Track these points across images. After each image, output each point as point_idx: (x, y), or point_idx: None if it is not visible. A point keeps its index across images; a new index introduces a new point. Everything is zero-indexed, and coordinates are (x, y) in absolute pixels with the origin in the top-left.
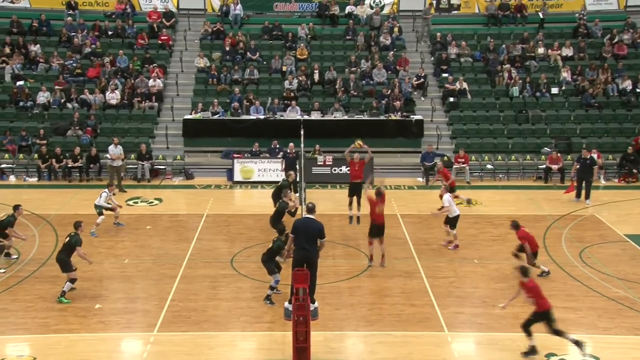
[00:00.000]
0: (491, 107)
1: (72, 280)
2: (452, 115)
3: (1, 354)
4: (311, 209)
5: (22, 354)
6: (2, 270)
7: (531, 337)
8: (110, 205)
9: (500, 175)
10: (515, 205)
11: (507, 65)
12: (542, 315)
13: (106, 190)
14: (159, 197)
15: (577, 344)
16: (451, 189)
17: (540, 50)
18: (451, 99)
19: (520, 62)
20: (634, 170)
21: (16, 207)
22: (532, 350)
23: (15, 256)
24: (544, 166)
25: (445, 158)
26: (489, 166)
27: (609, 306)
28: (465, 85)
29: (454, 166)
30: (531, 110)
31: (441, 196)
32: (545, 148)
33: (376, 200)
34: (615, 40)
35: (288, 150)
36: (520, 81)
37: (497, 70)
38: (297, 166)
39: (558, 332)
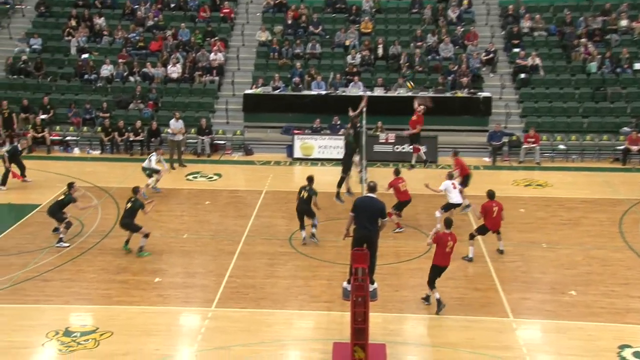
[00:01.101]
0: (566, 84)
1: (146, 235)
2: (522, 93)
3: (65, 323)
4: (372, 188)
5: (85, 323)
6: (67, 244)
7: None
8: (160, 168)
9: (574, 157)
10: (588, 188)
11: (585, 39)
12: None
13: (154, 153)
14: (218, 173)
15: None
16: (465, 178)
17: (623, 23)
18: (522, 76)
19: (600, 35)
20: None
21: (70, 185)
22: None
23: (67, 244)
24: (622, 147)
25: (514, 137)
26: (561, 146)
27: None
28: (538, 60)
29: (523, 146)
30: (610, 87)
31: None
32: (625, 128)
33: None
34: None
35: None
36: (599, 56)
37: (574, 44)
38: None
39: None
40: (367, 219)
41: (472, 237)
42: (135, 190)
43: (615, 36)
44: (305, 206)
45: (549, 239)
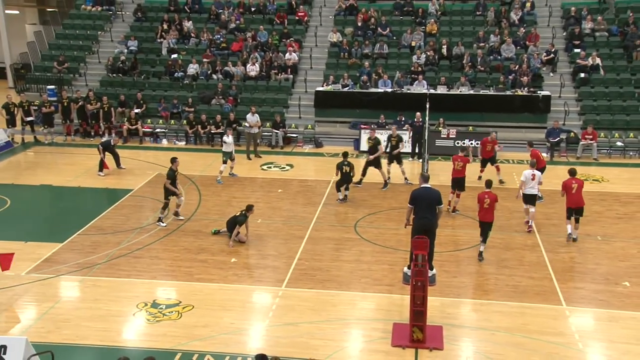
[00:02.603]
0: (626, 83)
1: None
2: (581, 91)
3: (153, 296)
4: (427, 178)
5: (170, 297)
6: (164, 224)
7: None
8: (230, 150)
9: (631, 153)
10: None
11: None
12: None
13: (226, 135)
14: (290, 163)
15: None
16: (541, 170)
17: None
18: (582, 75)
19: None
20: None
21: (173, 160)
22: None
23: (165, 224)
24: None
25: (572, 134)
26: (618, 143)
27: None
28: (598, 60)
29: (581, 142)
30: None
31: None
32: None
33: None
34: None
35: (415, 120)
36: None
37: (636, 44)
38: (423, 136)
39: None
40: (426, 208)
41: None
42: (249, 207)
43: None
44: (350, 177)
45: (604, 232)
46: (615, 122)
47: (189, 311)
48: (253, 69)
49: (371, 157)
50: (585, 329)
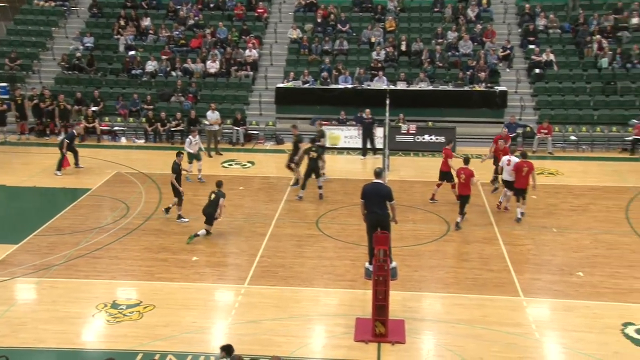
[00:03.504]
0: (578, 78)
1: (208, 232)
2: (537, 87)
3: (113, 297)
4: (378, 174)
5: (130, 297)
6: (187, 220)
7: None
8: (192, 151)
9: (584, 147)
10: (597, 177)
11: (598, 36)
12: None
13: (190, 136)
14: (251, 160)
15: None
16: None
17: (634, 21)
18: (537, 71)
19: (612, 32)
20: None
21: (178, 154)
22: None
23: (187, 219)
24: (631, 138)
25: (528, 128)
26: (572, 137)
27: None
28: (552, 56)
29: (537, 136)
30: (620, 82)
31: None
32: (634, 120)
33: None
34: None
35: (364, 116)
36: (610, 52)
37: (586, 41)
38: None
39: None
40: (377, 204)
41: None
42: (219, 183)
43: (627, 33)
44: (315, 164)
45: (559, 224)
46: (569, 117)
47: (150, 311)
48: (213, 66)
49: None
50: (542, 319)
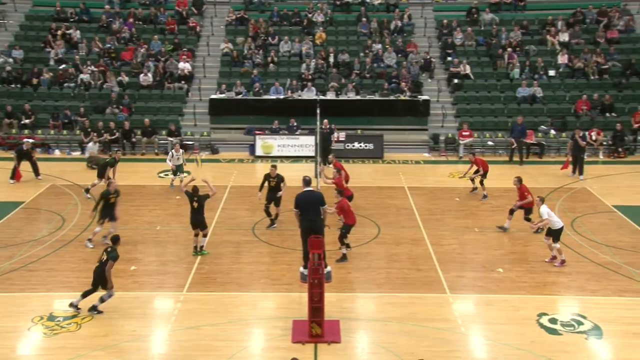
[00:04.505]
0: (492, 88)
1: (205, 235)
2: (456, 96)
3: (50, 309)
4: (308, 182)
5: (68, 309)
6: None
7: (343, 247)
8: (170, 165)
9: (500, 152)
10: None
11: (509, 50)
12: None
13: (172, 150)
14: (187, 170)
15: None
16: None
17: (539, 36)
18: (456, 81)
19: (520, 46)
20: (619, 149)
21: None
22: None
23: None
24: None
25: (450, 135)
26: (489, 142)
27: (596, 270)
28: (468, 68)
29: (460, 142)
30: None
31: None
32: (542, 126)
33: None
34: (613, 24)
35: (323, 127)
36: (519, 64)
37: (499, 54)
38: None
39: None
40: (311, 210)
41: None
42: (195, 189)
43: (533, 47)
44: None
45: (480, 224)
46: (486, 124)
47: (89, 322)
48: (146, 79)
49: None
50: (467, 314)
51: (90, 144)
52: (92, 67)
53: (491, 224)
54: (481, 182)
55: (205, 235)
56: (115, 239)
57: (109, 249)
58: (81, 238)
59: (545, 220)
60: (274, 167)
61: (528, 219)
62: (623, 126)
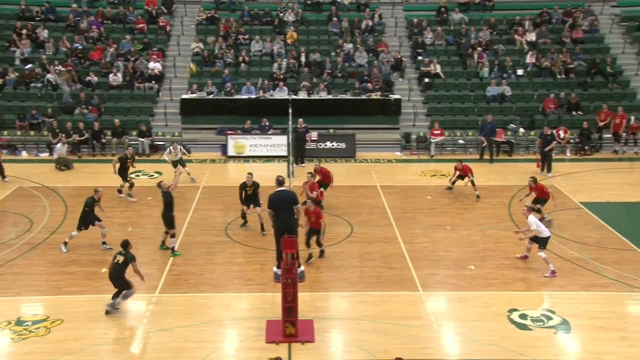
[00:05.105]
0: (463, 87)
1: (173, 235)
2: (427, 95)
3: (17, 313)
4: (281, 182)
5: (36, 313)
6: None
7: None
8: (167, 160)
9: (471, 150)
10: (483, 177)
11: (479, 49)
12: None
13: (170, 147)
14: (158, 171)
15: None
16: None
17: (507, 36)
18: (426, 80)
19: (489, 46)
20: (586, 147)
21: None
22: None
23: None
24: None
25: (421, 134)
26: (460, 141)
27: (564, 266)
28: (439, 67)
29: (432, 140)
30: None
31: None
32: (511, 125)
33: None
34: (577, 24)
35: (298, 126)
36: (488, 63)
37: (469, 53)
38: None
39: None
40: (284, 210)
41: None
42: (160, 185)
43: (502, 46)
44: (117, 273)
45: (452, 222)
46: (457, 122)
47: (58, 325)
48: (116, 79)
49: (245, 208)
50: (439, 311)
51: (59, 145)
52: (60, 67)
53: (462, 222)
54: (472, 183)
55: (172, 236)
56: (126, 244)
57: (123, 252)
58: (50, 241)
59: (534, 231)
60: (250, 174)
61: (538, 210)
62: (589, 124)
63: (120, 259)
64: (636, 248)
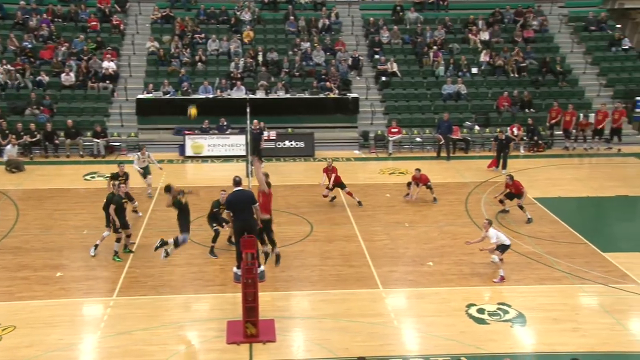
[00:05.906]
0: (419, 85)
1: (118, 240)
2: (384, 93)
3: None
4: (238, 182)
5: None
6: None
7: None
8: (137, 168)
9: (428, 147)
10: (441, 174)
11: (434, 48)
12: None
13: (137, 153)
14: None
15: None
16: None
17: (462, 35)
18: (384, 79)
19: (444, 45)
20: (540, 142)
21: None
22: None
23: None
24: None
25: (379, 132)
26: (417, 139)
27: (519, 260)
28: (395, 66)
29: (389, 138)
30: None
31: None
32: (467, 122)
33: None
34: (528, 24)
35: (252, 127)
36: (443, 62)
37: (424, 52)
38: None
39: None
40: (243, 210)
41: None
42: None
43: (456, 45)
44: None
45: (410, 219)
46: (414, 120)
47: (10, 332)
48: (68, 79)
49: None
50: (399, 308)
51: (9, 147)
52: (9, 66)
53: (420, 219)
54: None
55: (117, 240)
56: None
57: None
58: (1, 246)
59: (493, 245)
60: (224, 192)
61: (521, 207)
62: (534, 121)
63: (183, 199)
64: (587, 242)
